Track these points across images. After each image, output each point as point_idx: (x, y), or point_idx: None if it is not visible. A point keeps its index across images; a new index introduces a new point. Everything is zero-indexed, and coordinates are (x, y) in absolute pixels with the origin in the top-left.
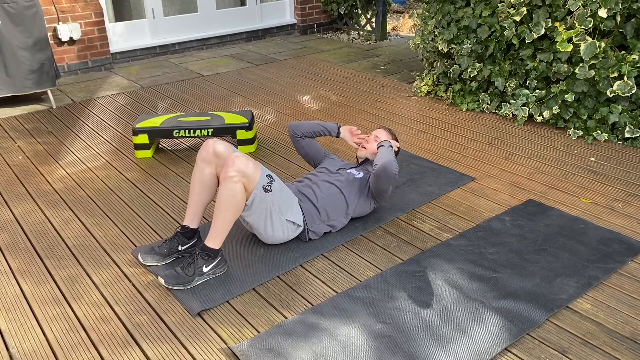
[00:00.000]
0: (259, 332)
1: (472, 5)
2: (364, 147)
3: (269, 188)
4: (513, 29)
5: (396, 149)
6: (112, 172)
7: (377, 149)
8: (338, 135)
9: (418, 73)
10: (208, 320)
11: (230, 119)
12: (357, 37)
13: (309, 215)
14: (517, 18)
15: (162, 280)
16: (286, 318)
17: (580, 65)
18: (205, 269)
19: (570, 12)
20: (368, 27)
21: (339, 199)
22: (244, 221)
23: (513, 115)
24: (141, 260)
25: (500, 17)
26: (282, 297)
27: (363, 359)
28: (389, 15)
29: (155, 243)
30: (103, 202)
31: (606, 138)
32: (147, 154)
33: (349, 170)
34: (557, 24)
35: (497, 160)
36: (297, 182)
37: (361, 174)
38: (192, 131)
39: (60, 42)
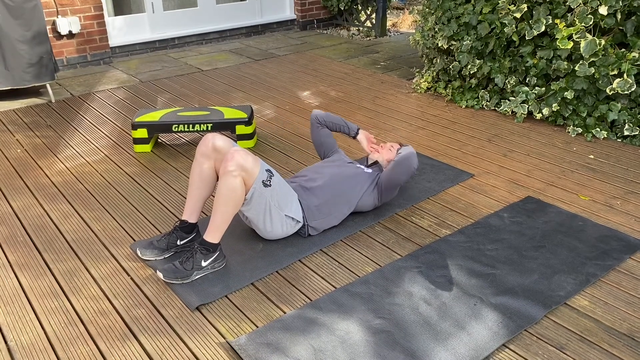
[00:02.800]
0: (257, 327)
1: (472, 1)
2: (378, 152)
3: (268, 183)
4: (513, 25)
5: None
6: (111, 166)
7: (401, 147)
8: (355, 137)
9: (418, 69)
10: (206, 315)
11: (229, 113)
12: (357, 33)
13: (308, 210)
14: (518, 15)
15: (160, 275)
16: (285, 313)
17: (580, 62)
18: (203, 264)
19: (570, 10)
20: (368, 24)
21: (345, 187)
22: (243, 216)
23: (512, 112)
24: (140, 255)
25: (501, 13)
26: (281, 292)
27: (361, 354)
28: (389, 11)
29: (154, 237)
30: (102, 196)
31: (605, 136)
32: (146, 148)
33: (358, 165)
34: (557, 21)
35: (496, 157)
36: (297, 177)
37: (370, 170)
38: (191, 126)
39: (59, 36)
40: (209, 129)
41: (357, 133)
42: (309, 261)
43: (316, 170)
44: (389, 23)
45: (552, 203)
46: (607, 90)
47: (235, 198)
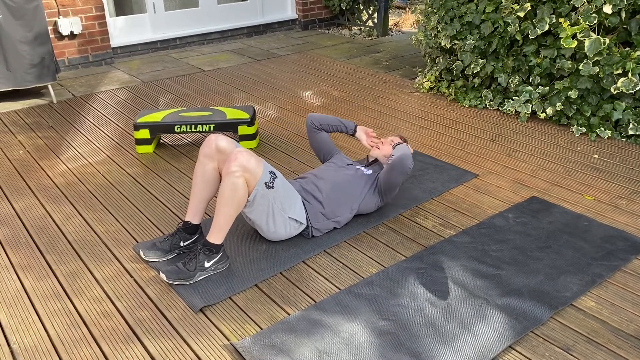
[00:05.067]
0: (261, 329)
1: (475, 0)
2: (378, 148)
3: (271, 184)
4: (517, 24)
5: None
6: (113, 167)
7: (394, 147)
8: (354, 134)
9: (420, 69)
10: (210, 316)
11: (231, 114)
12: (359, 32)
13: (312, 212)
14: (521, 14)
15: (163, 276)
16: (289, 314)
17: (584, 61)
18: (207, 265)
19: (574, 8)
20: (370, 23)
21: (345, 192)
22: (246, 217)
23: (516, 111)
24: (143, 256)
25: (504, 12)
26: (285, 294)
27: (366, 356)
28: (390, 10)
29: (156, 238)
30: (104, 197)
31: (609, 135)
32: (149, 149)
33: (357, 167)
34: (561, 20)
35: (500, 157)
36: (301, 179)
37: (370, 171)
38: (193, 126)
39: (60, 37)
40: (212, 129)
41: (355, 130)
42: (312, 262)
43: (318, 174)
44: (390, 22)
45: (556, 203)
46: (612, 90)
47: (237, 199)
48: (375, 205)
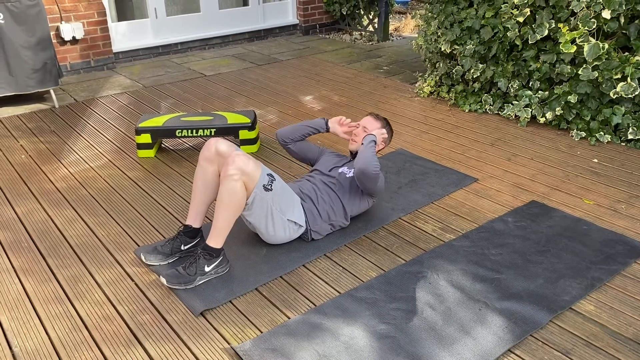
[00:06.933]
0: (262, 332)
1: (475, 6)
2: (354, 141)
3: (269, 187)
4: (516, 30)
5: (384, 139)
6: (114, 172)
7: (363, 144)
8: (328, 130)
9: (420, 74)
10: (211, 320)
11: (232, 118)
12: (360, 37)
13: (310, 215)
14: (521, 19)
15: (164, 280)
16: (289, 318)
17: (584, 66)
18: (207, 269)
19: (573, 13)
20: (370, 28)
21: (336, 202)
22: (246, 221)
23: (516, 116)
24: (144, 260)
25: (504, 18)
26: (285, 297)
27: None
28: (391, 15)
29: (158, 242)
30: (106, 202)
31: (609, 139)
32: (150, 153)
33: (340, 170)
34: (560, 25)
35: (499, 161)
36: (298, 182)
37: (352, 172)
38: (194, 131)
39: (63, 42)
40: (212, 134)
41: (327, 127)
42: (313, 266)
43: (310, 180)
44: (391, 27)
45: (556, 207)
46: (611, 94)
47: (236, 202)
48: (368, 204)
